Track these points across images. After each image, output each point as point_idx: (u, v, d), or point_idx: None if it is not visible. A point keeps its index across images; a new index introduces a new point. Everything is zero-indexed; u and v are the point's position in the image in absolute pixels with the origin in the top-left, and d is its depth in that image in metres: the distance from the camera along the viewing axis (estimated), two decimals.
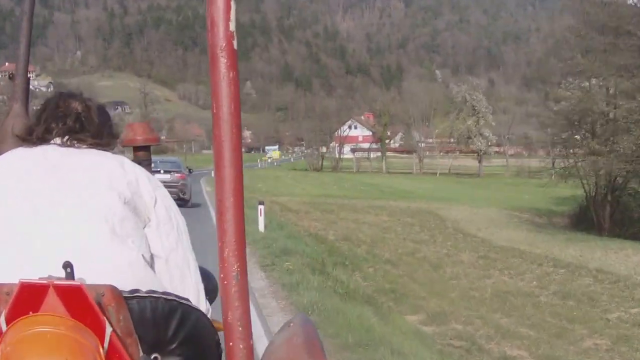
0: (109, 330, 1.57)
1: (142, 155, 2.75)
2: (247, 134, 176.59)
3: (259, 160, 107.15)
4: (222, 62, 1.58)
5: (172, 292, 1.89)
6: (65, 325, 1.52)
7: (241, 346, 1.71)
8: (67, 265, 1.59)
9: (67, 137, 2.11)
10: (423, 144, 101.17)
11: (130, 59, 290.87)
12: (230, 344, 1.72)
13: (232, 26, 1.57)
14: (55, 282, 1.54)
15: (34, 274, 1.59)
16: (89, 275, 1.68)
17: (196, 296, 2.06)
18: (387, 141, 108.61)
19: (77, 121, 2.13)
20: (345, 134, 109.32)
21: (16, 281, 1.56)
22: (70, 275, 1.59)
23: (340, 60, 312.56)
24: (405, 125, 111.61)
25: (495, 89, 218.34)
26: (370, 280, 16.12)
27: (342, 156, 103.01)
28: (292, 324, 1.93)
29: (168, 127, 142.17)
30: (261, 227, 18.86)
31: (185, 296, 1.92)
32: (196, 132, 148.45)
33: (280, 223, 22.18)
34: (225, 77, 1.60)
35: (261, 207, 19.08)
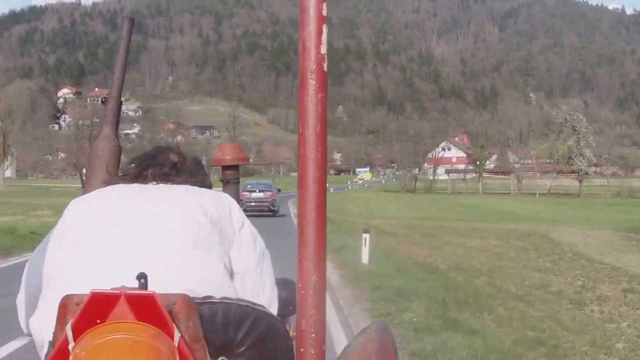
0: (177, 336, 1.62)
1: (230, 174, 2.84)
2: (336, 156, 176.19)
3: (349, 182, 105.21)
4: (312, 84, 1.66)
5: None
6: (145, 332, 1.57)
7: (312, 352, 1.75)
8: (141, 277, 1.66)
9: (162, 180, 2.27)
10: (518, 165, 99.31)
11: (222, 84, 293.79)
12: (302, 349, 1.76)
13: (323, 49, 1.65)
14: (127, 292, 1.60)
15: (110, 286, 1.64)
16: (166, 281, 1.84)
17: (268, 307, 2.10)
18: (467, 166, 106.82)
19: (172, 168, 2.30)
20: (440, 155, 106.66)
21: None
22: (143, 285, 1.65)
23: (434, 84, 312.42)
24: (500, 146, 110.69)
25: (589, 111, 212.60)
26: (505, 325, 12.04)
27: (436, 177, 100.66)
28: (368, 330, 1.98)
29: (256, 150, 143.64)
30: (365, 259, 16.53)
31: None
32: (285, 155, 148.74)
33: (385, 252, 18.89)
34: (313, 98, 1.67)
35: (366, 236, 16.62)
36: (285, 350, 2.01)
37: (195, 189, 2.24)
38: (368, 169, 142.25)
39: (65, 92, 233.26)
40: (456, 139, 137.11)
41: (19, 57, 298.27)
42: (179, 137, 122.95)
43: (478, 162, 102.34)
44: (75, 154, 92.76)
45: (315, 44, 1.64)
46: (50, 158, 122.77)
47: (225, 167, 2.85)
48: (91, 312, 1.58)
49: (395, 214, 42.56)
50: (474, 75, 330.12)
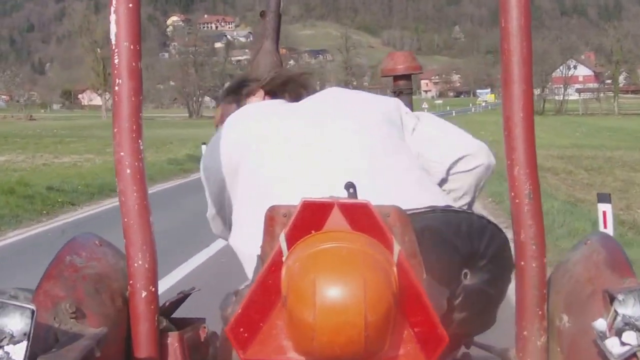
0: (397, 248, 1.53)
1: (403, 84, 2.74)
2: (455, 77, 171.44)
3: (470, 104, 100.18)
4: None
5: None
6: (360, 242, 1.50)
7: (534, 265, 1.68)
8: (350, 186, 1.61)
9: None
10: None
11: (334, 7, 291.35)
12: (522, 263, 1.69)
13: None
14: (340, 201, 1.54)
15: (314, 195, 1.59)
16: (377, 191, 1.77)
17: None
18: (600, 84, 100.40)
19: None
20: (571, 73, 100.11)
21: (294, 203, 1.57)
22: (353, 195, 1.60)
23: (555, 2, 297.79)
24: (630, 63, 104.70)
25: None
26: None
27: (567, 98, 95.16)
28: (589, 242, 1.83)
29: (372, 72, 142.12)
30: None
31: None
32: None
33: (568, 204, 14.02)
34: None
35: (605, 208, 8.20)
36: (512, 268, 1.84)
37: (366, 94, 2.30)
38: (489, 90, 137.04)
39: (174, 20, 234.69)
40: (582, 56, 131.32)
41: None
42: (291, 62, 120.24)
43: (612, 80, 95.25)
44: (181, 81, 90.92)
45: None
46: (161, 87, 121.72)
47: (396, 78, 2.75)
48: (304, 221, 1.53)
49: (542, 142, 35.80)
50: None
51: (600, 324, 1.53)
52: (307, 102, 2.25)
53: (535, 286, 1.69)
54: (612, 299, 1.53)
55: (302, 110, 2.17)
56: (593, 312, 1.61)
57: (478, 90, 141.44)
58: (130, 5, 1.70)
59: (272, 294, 1.52)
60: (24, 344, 1.40)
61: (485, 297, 1.87)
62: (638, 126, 54.53)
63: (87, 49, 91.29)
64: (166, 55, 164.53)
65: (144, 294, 1.70)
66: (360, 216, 1.53)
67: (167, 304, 1.91)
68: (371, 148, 2.01)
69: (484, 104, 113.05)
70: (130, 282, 1.72)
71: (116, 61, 1.70)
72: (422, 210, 1.81)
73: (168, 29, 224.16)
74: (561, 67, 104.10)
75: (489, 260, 1.83)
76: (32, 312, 1.41)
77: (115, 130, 1.70)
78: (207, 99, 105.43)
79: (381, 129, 2.07)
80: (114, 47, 1.70)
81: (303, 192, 1.66)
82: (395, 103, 2.23)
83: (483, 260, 1.82)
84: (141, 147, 1.71)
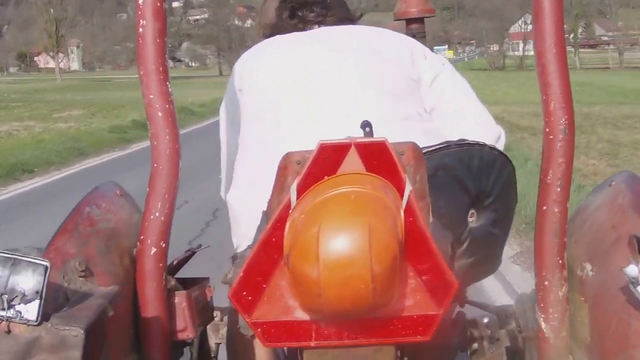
0: (408, 189, 1.49)
1: (417, 28, 2.69)
2: None
3: None
4: None
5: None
6: (372, 184, 1.46)
7: (556, 210, 1.64)
8: (366, 125, 1.59)
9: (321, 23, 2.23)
10: (607, 38, 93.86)
11: None
12: (544, 207, 1.65)
13: None
14: (358, 141, 1.50)
15: (328, 137, 1.54)
16: (390, 129, 1.74)
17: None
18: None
19: (324, 8, 2.24)
20: (529, 29, 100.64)
21: (308, 147, 1.54)
22: (369, 134, 1.58)
23: None
24: (586, 17, 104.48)
25: None
26: None
27: (526, 53, 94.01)
28: (614, 182, 1.76)
29: None
30: None
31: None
32: None
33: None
34: None
35: None
36: (515, 204, 1.90)
37: (371, 28, 2.20)
38: (446, 46, 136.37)
39: None
40: None
41: None
42: (249, 21, 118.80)
43: (572, 34, 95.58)
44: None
45: None
46: (118, 48, 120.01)
47: (409, 21, 2.70)
48: (318, 167, 1.49)
49: (510, 98, 34.70)
50: None
51: (632, 269, 1.47)
52: (319, 37, 2.17)
53: (556, 233, 1.65)
54: None
55: (313, 49, 2.11)
56: (619, 260, 1.54)
57: (435, 47, 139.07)
58: None
59: (275, 253, 1.48)
60: (37, 302, 1.38)
61: (490, 239, 1.84)
62: (605, 81, 53.17)
63: (40, 9, 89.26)
64: (124, 16, 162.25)
65: (153, 250, 1.67)
66: (376, 155, 1.49)
67: (175, 262, 1.88)
68: (382, 94, 1.96)
69: None
70: (142, 236, 1.68)
71: (140, 1, 1.68)
72: (437, 147, 1.78)
73: None
74: (519, 22, 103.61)
75: (495, 197, 1.81)
76: (46, 268, 1.38)
77: (142, 72, 1.66)
78: None
79: (393, 74, 2.02)
80: None
81: (315, 137, 1.59)
82: (413, 46, 2.16)
83: (490, 197, 1.80)
84: (170, 90, 1.68)
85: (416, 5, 2.70)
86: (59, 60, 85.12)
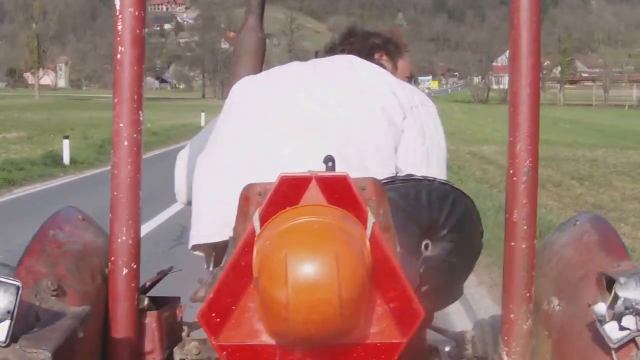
0: (371, 220, 1.51)
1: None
2: None
3: None
4: None
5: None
6: (334, 215, 1.48)
7: (524, 246, 1.66)
8: (329, 159, 1.60)
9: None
10: (586, 74, 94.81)
11: None
12: (512, 243, 1.66)
13: None
14: (319, 174, 1.53)
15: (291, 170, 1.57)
16: (355, 161, 1.88)
17: None
18: (544, 72, 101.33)
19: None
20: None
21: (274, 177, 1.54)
22: (331, 168, 1.59)
23: None
24: (571, 54, 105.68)
25: None
26: None
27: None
28: (578, 222, 1.77)
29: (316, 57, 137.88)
30: None
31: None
32: None
33: None
34: None
35: None
36: (478, 234, 1.90)
37: (359, 59, 2.20)
38: (431, 77, 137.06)
39: None
40: None
41: None
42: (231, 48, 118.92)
43: (560, 69, 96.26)
44: None
45: None
46: (108, 67, 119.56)
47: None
48: (280, 198, 1.50)
49: (500, 137, 26.33)
50: None
51: (600, 307, 1.48)
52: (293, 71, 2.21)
53: (524, 268, 1.67)
54: (610, 282, 1.48)
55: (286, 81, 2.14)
56: (586, 296, 1.55)
57: (420, 77, 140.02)
58: None
59: (244, 276, 1.49)
60: (7, 322, 1.35)
61: (448, 268, 1.85)
62: (592, 119, 52.21)
63: (22, 25, 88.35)
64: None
65: (124, 271, 1.66)
66: (337, 189, 1.51)
67: (148, 284, 1.87)
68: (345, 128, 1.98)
69: (427, 92, 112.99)
70: (112, 258, 1.67)
71: (119, 28, 1.67)
72: (382, 181, 1.75)
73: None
74: (505, 55, 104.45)
75: (450, 229, 1.82)
76: (17, 288, 1.35)
77: (116, 100, 1.66)
78: (149, 79, 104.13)
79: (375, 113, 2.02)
80: (117, 14, 1.67)
81: (283, 167, 1.64)
82: (406, 95, 2.11)
83: (444, 229, 1.81)
84: (141, 119, 1.68)
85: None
86: (39, 77, 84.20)
